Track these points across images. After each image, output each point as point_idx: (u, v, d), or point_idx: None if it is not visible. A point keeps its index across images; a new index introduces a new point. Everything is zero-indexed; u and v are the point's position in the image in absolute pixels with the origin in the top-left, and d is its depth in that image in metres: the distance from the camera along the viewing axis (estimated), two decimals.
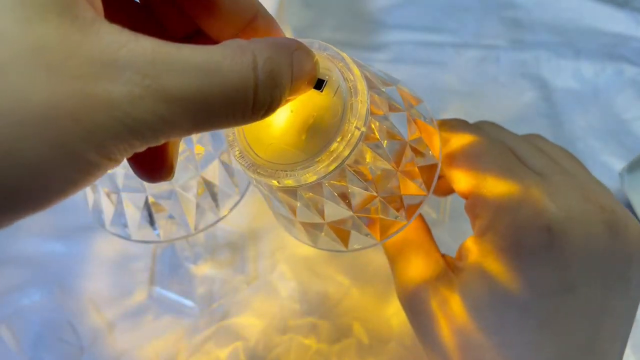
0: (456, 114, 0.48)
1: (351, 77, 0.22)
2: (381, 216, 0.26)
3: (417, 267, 0.28)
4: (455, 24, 0.58)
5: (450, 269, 0.28)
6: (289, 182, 0.22)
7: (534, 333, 0.24)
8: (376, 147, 0.24)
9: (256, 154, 0.23)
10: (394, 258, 0.30)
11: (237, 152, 0.23)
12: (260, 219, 0.43)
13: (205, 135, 0.30)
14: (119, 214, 0.32)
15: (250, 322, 0.37)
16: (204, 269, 0.40)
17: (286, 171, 0.22)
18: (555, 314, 0.24)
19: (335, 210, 0.25)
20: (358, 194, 0.24)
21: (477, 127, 0.29)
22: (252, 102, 0.18)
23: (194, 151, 0.30)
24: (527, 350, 0.24)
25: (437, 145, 0.27)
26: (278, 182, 0.22)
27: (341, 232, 0.26)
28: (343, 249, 0.27)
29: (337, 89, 0.22)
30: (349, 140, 0.22)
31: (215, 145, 0.31)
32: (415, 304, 0.28)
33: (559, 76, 0.52)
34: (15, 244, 0.42)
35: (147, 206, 0.31)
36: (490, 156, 0.27)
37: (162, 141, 0.17)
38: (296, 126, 0.22)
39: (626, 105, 0.50)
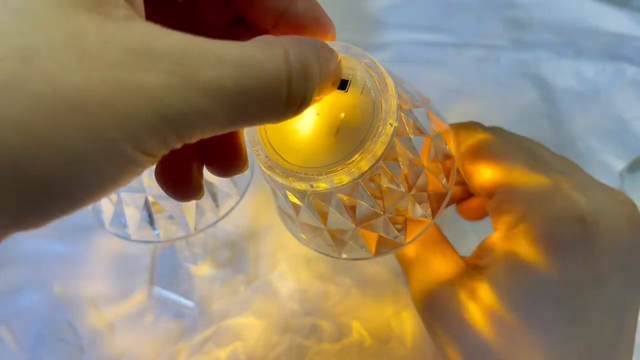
0: (456, 113, 0.48)
1: (376, 74, 0.22)
2: (410, 216, 0.26)
3: (436, 269, 0.28)
4: (456, 23, 0.57)
5: (471, 267, 0.28)
6: (323, 185, 0.22)
7: (568, 326, 0.24)
8: (406, 141, 0.23)
9: (286, 161, 0.22)
10: (409, 263, 0.29)
11: (264, 161, 0.23)
12: (260, 219, 0.43)
13: None
14: (119, 214, 0.32)
15: (250, 322, 0.37)
16: (203, 269, 0.40)
17: (321, 175, 0.22)
18: (587, 308, 0.24)
19: (367, 212, 0.24)
20: (391, 192, 0.24)
21: (492, 129, 0.30)
22: (285, 95, 0.18)
23: None
24: (561, 343, 0.24)
25: (452, 141, 0.27)
26: (312, 185, 0.22)
27: (370, 237, 0.26)
28: (370, 255, 0.27)
29: (363, 87, 0.22)
30: (383, 137, 0.21)
31: None
32: (437, 306, 0.27)
33: (560, 76, 0.52)
34: (15, 244, 0.42)
35: (147, 206, 0.31)
36: (516, 151, 0.27)
37: (197, 137, 0.17)
38: (325, 129, 0.22)
39: (627, 105, 0.50)
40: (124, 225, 0.32)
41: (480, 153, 0.28)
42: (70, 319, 0.38)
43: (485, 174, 0.28)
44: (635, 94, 0.50)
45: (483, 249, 0.28)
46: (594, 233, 0.25)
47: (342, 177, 0.22)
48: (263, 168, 0.23)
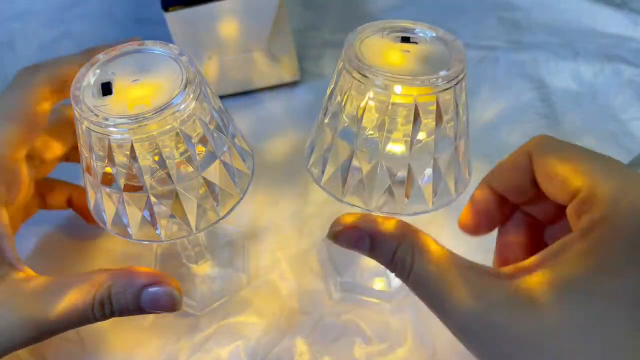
0: None
1: (439, 32, 0.29)
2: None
3: (474, 287, 0.25)
4: (454, 25, 0.58)
5: (519, 270, 0.26)
6: (425, 89, 0.26)
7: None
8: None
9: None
10: (441, 286, 0.26)
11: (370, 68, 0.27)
12: (260, 218, 0.43)
13: (206, 136, 0.31)
14: (121, 214, 0.32)
15: (251, 321, 0.38)
16: (204, 269, 0.40)
17: (428, 77, 0.26)
18: None
19: (440, 138, 0.28)
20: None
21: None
22: (93, 318, 0.29)
23: (195, 152, 0.30)
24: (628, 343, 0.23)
25: None
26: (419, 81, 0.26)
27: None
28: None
29: (431, 40, 0.29)
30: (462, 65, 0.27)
31: (216, 146, 0.31)
32: (488, 327, 0.25)
33: (558, 77, 0.53)
34: (17, 243, 0.42)
35: (149, 206, 0.31)
36: (593, 156, 0.31)
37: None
38: (417, 60, 0.28)
39: (624, 106, 0.50)
40: (126, 225, 0.32)
41: (561, 159, 0.30)
42: None
43: (567, 178, 0.29)
44: (633, 95, 0.51)
45: (554, 251, 0.26)
46: None
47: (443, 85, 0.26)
48: (359, 78, 0.27)
